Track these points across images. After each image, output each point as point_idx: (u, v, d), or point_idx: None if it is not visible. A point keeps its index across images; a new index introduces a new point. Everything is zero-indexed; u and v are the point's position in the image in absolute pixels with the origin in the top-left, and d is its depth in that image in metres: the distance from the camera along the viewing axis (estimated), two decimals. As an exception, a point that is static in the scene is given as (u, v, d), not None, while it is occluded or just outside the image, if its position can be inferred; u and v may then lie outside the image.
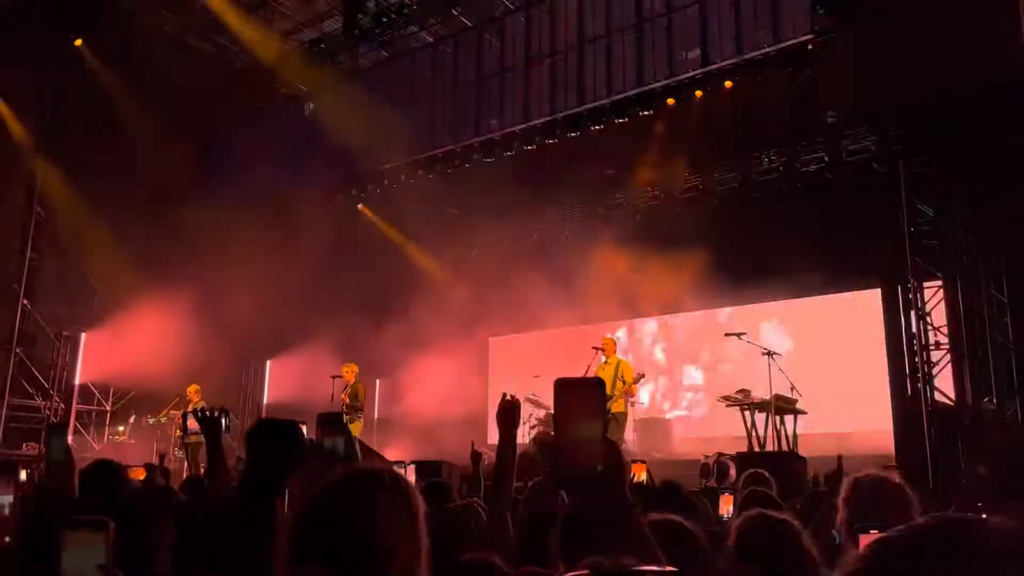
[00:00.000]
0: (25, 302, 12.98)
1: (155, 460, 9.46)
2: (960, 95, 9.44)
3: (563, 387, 1.46)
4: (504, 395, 2.97)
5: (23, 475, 4.38)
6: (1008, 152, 9.33)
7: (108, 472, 3.61)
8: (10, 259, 12.98)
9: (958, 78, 9.10)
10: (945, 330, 9.83)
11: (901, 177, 10.44)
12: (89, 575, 1.49)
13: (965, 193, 10.09)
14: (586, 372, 9.54)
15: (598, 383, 1.48)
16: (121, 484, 3.55)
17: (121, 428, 13.86)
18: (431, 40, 12.71)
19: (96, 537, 1.52)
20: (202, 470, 8.52)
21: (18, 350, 12.91)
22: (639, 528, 1.46)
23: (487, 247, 15.61)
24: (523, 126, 11.25)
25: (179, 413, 12.30)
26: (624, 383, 10.11)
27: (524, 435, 13.44)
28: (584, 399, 1.45)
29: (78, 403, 13.85)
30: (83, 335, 13.84)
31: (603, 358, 10.44)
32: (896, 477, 2.72)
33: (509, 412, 2.86)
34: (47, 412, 13.25)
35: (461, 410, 16.56)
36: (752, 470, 4.72)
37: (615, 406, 10.06)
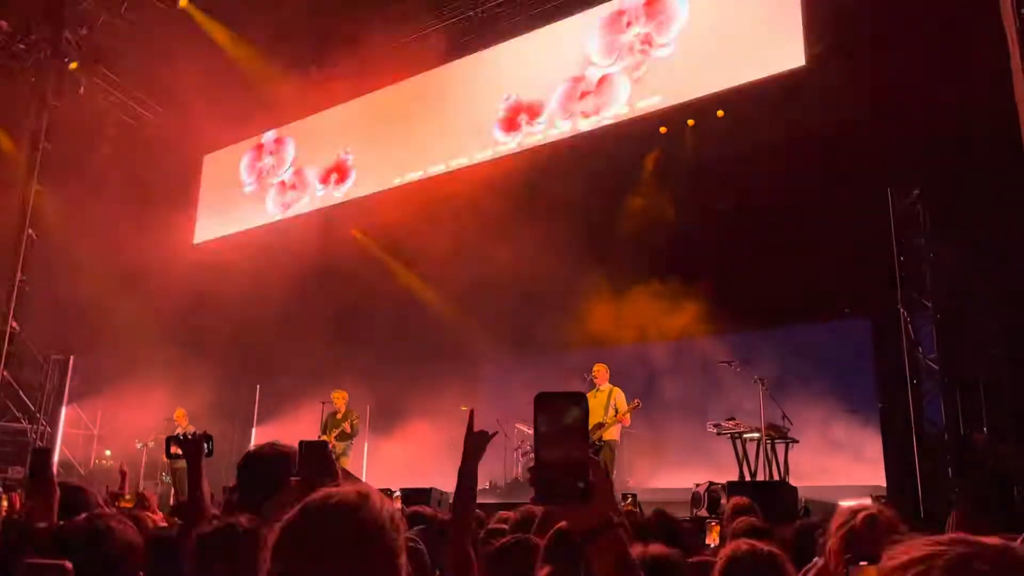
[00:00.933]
0: (14, 324, 12.90)
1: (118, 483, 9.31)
2: (953, 125, 9.52)
3: (544, 402, 1.43)
4: (471, 415, 2.89)
5: (4, 502, 4.31)
6: (1000, 183, 9.38)
7: (76, 498, 3.51)
8: (0, 281, 12.92)
9: (951, 108, 9.18)
10: (935, 360, 9.83)
11: (892, 206, 10.49)
12: None
13: (956, 223, 10.13)
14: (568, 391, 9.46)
15: (580, 397, 1.45)
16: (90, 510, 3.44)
17: (108, 452, 13.74)
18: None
19: None
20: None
21: (5, 372, 12.82)
22: (622, 550, 1.43)
23: (479, 270, 15.58)
24: (516, 150, 11.30)
25: (165, 437, 12.21)
26: (617, 411, 10.03)
27: (516, 460, 13.38)
28: (566, 414, 1.41)
29: (65, 427, 13.73)
30: (71, 358, 13.75)
31: (596, 387, 10.34)
32: (889, 511, 2.72)
33: (480, 439, 2.80)
34: (34, 435, 13.13)
35: (452, 436, 16.46)
36: (736, 499, 4.69)
37: (607, 434, 9.99)
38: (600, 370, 10.43)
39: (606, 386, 10.22)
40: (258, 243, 14.72)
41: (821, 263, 11.34)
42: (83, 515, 2.46)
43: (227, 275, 13.76)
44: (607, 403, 9.92)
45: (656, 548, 2.08)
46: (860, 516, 2.62)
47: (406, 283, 16.27)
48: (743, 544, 2.42)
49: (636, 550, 2.01)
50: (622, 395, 10.36)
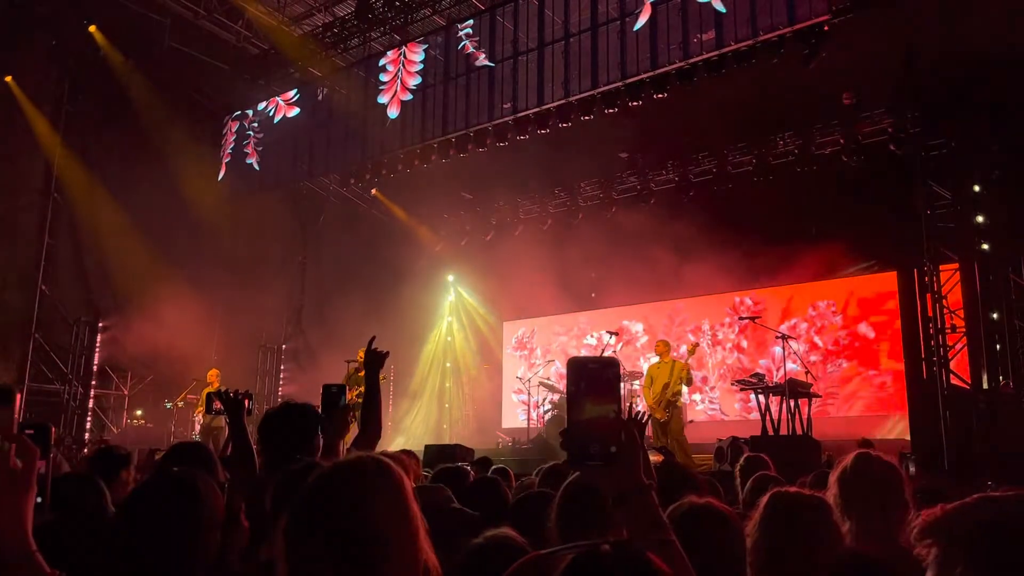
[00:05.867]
0: (43, 287, 13.07)
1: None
2: (979, 77, 9.34)
3: (577, 366, 1.44)
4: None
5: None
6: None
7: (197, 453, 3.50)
8: (28, 245, 13.07)
9: (976, 59, 9.01)
10: (961, 313, 9.77)
11: (917, 159, 10.36)
12: None
13: (982, 176, 9.99)
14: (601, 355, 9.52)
15: (612, 361, 1.46)
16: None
17: (139, 412, 13.98)
18: (444, 24, 12.67)
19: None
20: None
21: (37, 335, 13.02)
22: (654, 511, 1.45)
23: (501, 231, 15.62)
24: (537, 110, 11.20)
25: (196, 397, 12.40)
26: (680, 379, 10.07)
27: (540, 419, 13.50)
28: (598, 378, 1.42)
29: (96, 388, 13.97)
30: (100, 320, 13.94)
31: (660, 358, 10.39)
32: (885, 456, 2.75)
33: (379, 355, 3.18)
34: (66, 396, 13.38)
35: (475, 393, 16.65)
36: (748, 454, 4.74)
37: (669, 394, 10.06)
38: (662, 344, 10.46)
39: (668, 358, 10.25)
40: (289, 202, 14.87)
41: (847, 216, 11.26)
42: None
43: (257, 235, 13.88)
44: (671, 372, 9.98)
45: (692, 499, 2.09)
46: (851, 457, 2.67)
47: (430, 244, 16.35)
48: (790, 488, 2.43)
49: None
50: (685, 366, 10.41)
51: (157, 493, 2.02)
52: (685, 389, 10.41)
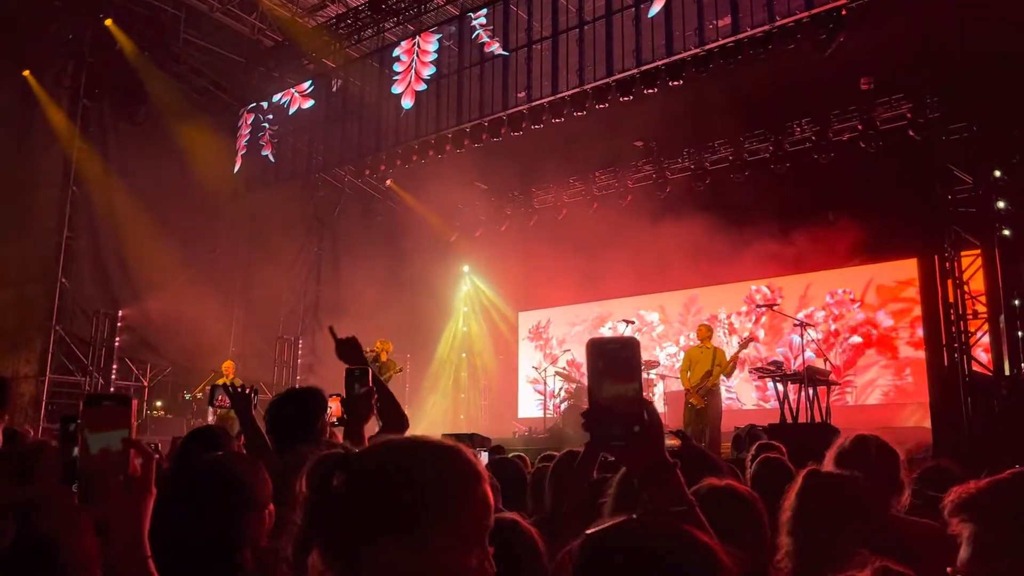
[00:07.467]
0: (63, 280, 13.17)
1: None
2: (999, 59, 9.22)
3: (596, 347, 1.43)
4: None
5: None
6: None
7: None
8: (47, 238, 13.17)
9: (997, 42, 8.88)
10: (983, 299, 9.66)
11: (937, 145, 10.24)
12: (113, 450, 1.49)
13: (1004, 161, 9.86)
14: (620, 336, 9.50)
15: (632, 341, 1.45)
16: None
17: (159, 403, 14.09)
18: (457, 13, 12.64)
19: (119, 412, 1.51)
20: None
21: (57, 327, 13.13)
22: (679, 489, 1.44)
23: (515, 221, 15.61)
24: (551, 98, 11.16)
25: (211, 385, 12.47)
26: (720, 367, 10.04)
27: (556, 409, 13.49)
28: (617, 358, 1.41)
29: (116, 379, 14.09)
30: (119, 312, 14.04)
31: (701, 343, 10.36)
32: (880, 437, 2.80)
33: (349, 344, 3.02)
34: (87, 387, 13.49)
35: (491, 383, 16.67)
36: (760, 441, 4.73)
37: (711, 382, 10.05)
38: (703, 329, 10.41)
39: (710, 344, 10.20)
40: (305, 193, 14.88)
41: (867, 202, 11.17)
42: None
43: (274, 227, 13.90)
44: (712, 360, 9.94)
45: (712, 481, 2.08)
46: (850, 438, 2.69)
47: (445, 234, 16.36)
48: (826, 472, 2.41)
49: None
50: (724, 352, 10.38)
51: (203, 475, 2.04)
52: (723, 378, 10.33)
